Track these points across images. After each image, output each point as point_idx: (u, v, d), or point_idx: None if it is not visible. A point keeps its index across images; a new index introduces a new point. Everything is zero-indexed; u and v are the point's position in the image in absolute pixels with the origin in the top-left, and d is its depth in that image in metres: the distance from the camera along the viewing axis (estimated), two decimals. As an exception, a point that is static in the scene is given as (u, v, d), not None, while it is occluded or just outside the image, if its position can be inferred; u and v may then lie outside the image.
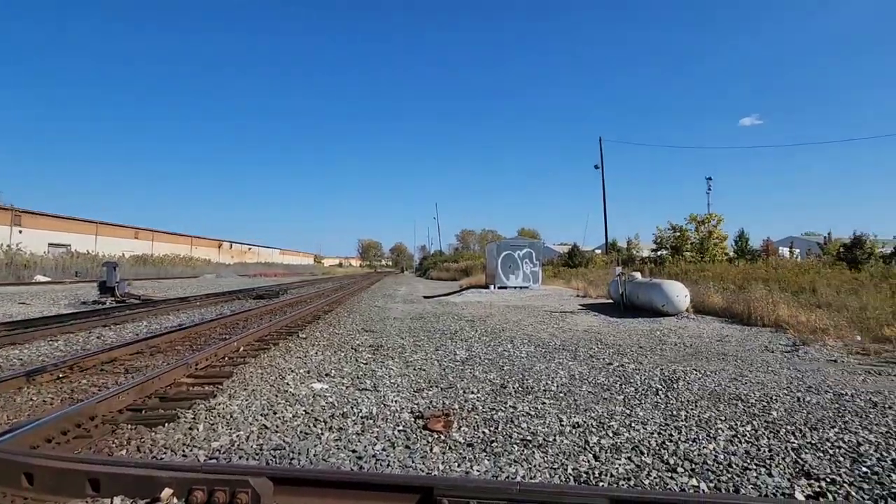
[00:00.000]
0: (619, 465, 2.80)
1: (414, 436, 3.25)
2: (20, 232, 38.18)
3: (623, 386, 4.63)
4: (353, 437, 3.21)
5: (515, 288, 20.60)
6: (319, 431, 3.31)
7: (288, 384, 4.58)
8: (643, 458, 2.90)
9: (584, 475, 2.65)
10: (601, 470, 2.72)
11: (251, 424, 3.43)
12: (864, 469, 2.75)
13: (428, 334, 7.98)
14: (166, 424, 3.35)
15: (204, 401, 3.92)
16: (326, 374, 5.03)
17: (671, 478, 2.63)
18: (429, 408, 3.89)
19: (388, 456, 2.88)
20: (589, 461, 2.85)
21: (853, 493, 2.47)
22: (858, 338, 7.19)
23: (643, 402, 4.11)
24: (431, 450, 3.00)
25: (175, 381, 4.49)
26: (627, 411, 3.83)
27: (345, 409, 3.80)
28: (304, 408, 3.84)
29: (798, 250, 33.72)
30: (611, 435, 3.29)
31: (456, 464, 2.78)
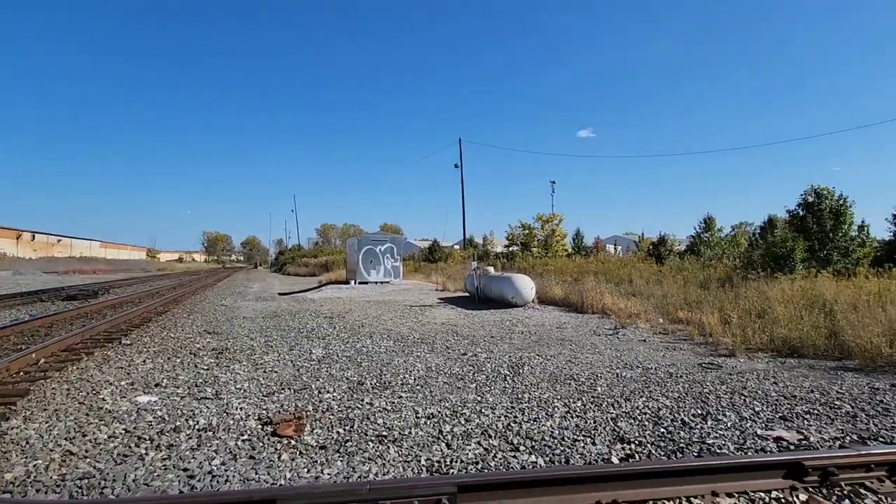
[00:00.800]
0: (470, 450, 2.93)
1: (260, 444, 3.01)
2: None
3: (476, 374, 4.89)
4: (187, 453, 2.86)
5: (377, 283, 20.55)
6: (143, 452, 2.88)
7: (104, 400, 3.91)
8: (491, 441, 3.09)
9: (437, 465, 2.72)
10: (453, 458, 2.82)
11: (52, 451, 2.85)
12: (662, 430, 3.29)
13: (282, 333, 7.51)
14: (-82, 465, 2.61)
15: (-19, 429, 3.15)
16: (156, 385, 4.41)
17: (514, 457, 2.84)
18: (279, 412, 3.65)
19: (227, 471, 2.61)
20: (442, 450, 2.94)
21: (653, 451, 2.93)
22: (661, 320, 8.64)
23: (493, 388, 4.39)
24: (279, 457, 2.81)
25: (-65, 407, 3.52)
26: (479, 398, 4.05)
27: (178, 423, 3.37)
28: (123, 426, 3.31)
29: (620, 247, 39.44)
30: (463, 422, 3.44)
31: (305, 469, 2.64)
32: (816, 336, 5.96)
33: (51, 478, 2.51)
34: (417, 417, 3.56)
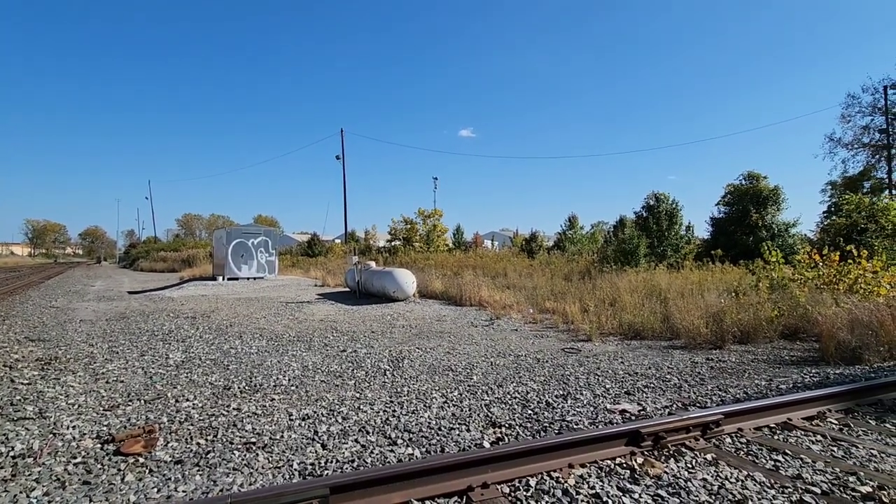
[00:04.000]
0: (346, 448, 2.87)
1: (98, 466, 2.61)
2: None
3: (355, 371, 4.80)
4: (-5, 487, 2.37)
5: (248, 279, 19.13)
6: (-70, 491, 2.32)
7: None
8: (369, 437, 3.05)
9: (310, 467, 2.61)
10: (328, 458, 2.73)
11: None
12: (529, 411, 3.55)
13: (131, 337, 6.63)
14: None
15: None
16: (-47, 407, 3.60)
17: (391, 451, 2.83)
18: (125, 427, 3.21)
19: (50, 502, 2.22)
20: (317, 451, 2.83)
21: (521, 433, 3.14)
22: (531, 310, 9.33)
23: (372, 384, 4.35)
24: (123, 479, 2.47)
25: None
26: (357, 395, 3.98)
27: (-17, 451, 2.78)
28: None
29: (497, 242, 41.80)
30: (340, 421, 3.35)
31: (155, 489, 2.35)
32: (654, 320, 6.90)
33: None
34: (291, 419, 3.38)
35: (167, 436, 3.07)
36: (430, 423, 3.32)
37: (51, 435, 3.05)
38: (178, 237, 72.78)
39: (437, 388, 4.20)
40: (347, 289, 13.98)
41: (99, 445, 2.91)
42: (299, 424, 3.30)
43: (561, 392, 4.04)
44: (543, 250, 23.56)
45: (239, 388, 4.20)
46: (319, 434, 3.11)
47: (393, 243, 33.82)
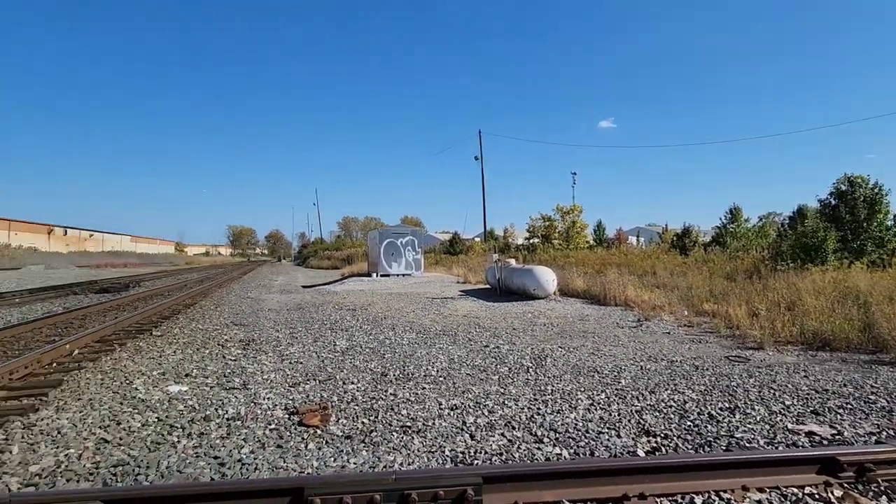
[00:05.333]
0: (493, 441, 2.93)
1: (287, 433, 3.06)
2: None
3: (498, 366, 4.88)
4: (217, 441, 2.92)
5: (398, 275, 20.67)
6: (175, 440, 2.95)
7: (137, 389, 4.03)
8: (515, 432, 3.07)
9: (461, 455, 2.72)
10: (476, 448, 2.81)
11: (86, 440, 2.94)
12: (688, 423, 3.23)
13: (306, 325, 7.62)
14: (-36, 450, 2.73)
15: (21, 417, 3.28)
16: (186, 375, 4.53)
17: (538, 448, 2.82)
18: (305, 402, 3.70)
19: (256, 459, 2.66)
20: (466, 441, 2.94)
21: (680, 445, 2.88)
22: (686, 312, 8.47)
23: (515, 380, 4.37)
24: (306, 447, 2.85)
25: (-20, 396, 3.68)
26: (502, 390, 4.04)
27: (208, 412, 3.45)
28: (156, 414, 3.40)
29: (643, 239, 38.78)
30: (486, 414, 3.43)
31: (332, 459, 2.67)
32: (850, 329, 5.75)
33: (83, 466, 2.59)
34: (441, 409, 3.56)
35: (337, 413, 3.47)
36: (576, 424, 3.22)
37: (252, 404, 3.66)
38: (339, 238, 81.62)
39: (581, 389, 4.06)
40: (488, 286, 14.23)
41: (287, 416, 3.40)
42: (448, 414, 3.46)
43: (727, 405, 3.60)
44: (699, 246, 21.22)
45: (394, 375, 4.56)
46: (467, 425, 3.22)
47: (531, 241, 33.48)
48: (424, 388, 4.13)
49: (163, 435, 3.03)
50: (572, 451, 2.80)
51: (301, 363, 5.04)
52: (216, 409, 3.52)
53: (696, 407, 3.56)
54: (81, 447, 2.82)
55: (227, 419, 3.32)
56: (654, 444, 2.88)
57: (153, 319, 8.04)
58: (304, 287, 17.03)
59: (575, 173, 40.15)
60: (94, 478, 2.45)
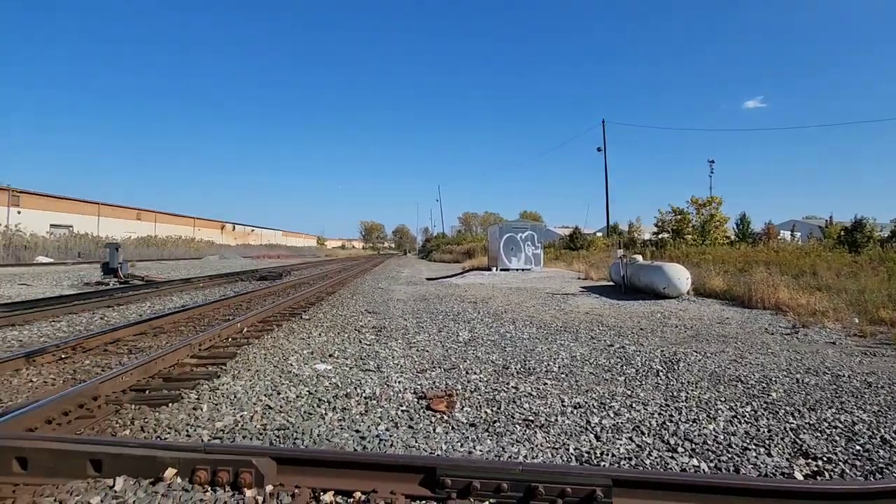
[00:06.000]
0: (621, 445, 2.80)
1: (417, 416, 3.26)
2: (19, 213, 38.01)
3: (624, 367, 4.64)
4: (357, 417, 3.22)
5: (517, 270, 20.61)
6: (323, 412, 3.32)
7: (291, 365, 4.59)
8: (644, 438, 2.91)
9: (586, 455, 2.66)
10: (602, 450, 2.72)
11: (255, 405, 3.44)
12: (858, 447, 2.76)
13: (431, 316, 7.99)
14: (170, 405, 3.37)
15: (208, 381, 3.94)
16: (330, 355, 5.04)
17: (672, 458, 2.63)
18: (431, 388, 3.90)
19: (391, 436, 2.89)
20: (591, 441, 2.86)
21: (847, 471, 2.47)
22: (856, 320, 7.18)
23: (644, 383, 4.12)
24: (434, 430, 3.01)
25: (178, 361, 4.51)
26: (628, 392, 3.84)
27: (348, 390, 3.81)
28: (307, 388, 3.85)
29: (799, 234, 33.57)
30: (612, 415, 3.30)
31: (459, 444, 2.79)
32: None
33: (255, 427, 3.03)
34: (563, 405, 3.50)
35: (462, 401, 3.59)
36: (716, 436, 2.94)
37: (385, 386, 3.96)
38: (460, 233, 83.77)
39: (722, 398, 3.69)
40: (611, 283, 13.54)
41: (416, 400, 3.62)
42: (571, 412, 3.38)
43: (914, 431, 3.00)
44: (874, 242, 17.79)
45: (515, 368, 4.58)
46: (592, 425, 3.13)
47: (660, 236, 31.02)
48: (546, 383, 4.09)
49: (313, 406, 3.42)
50: (712, 464, 2.57)
51: (427, 351, 5.30)
52: (355, 388, 3.87)
53: (868, 430, 3.03)
54: (252, 411, 3.31)
55: (365, 398, 3.64)
56: (815, 469, 2.52)
57: (302, 305, 9.07)
58: (427, 279, 17.81)
59: (713, 161, 36.12)
60: (262, 437, 2.87)
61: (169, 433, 2.92)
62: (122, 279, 13.94)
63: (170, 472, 1.96)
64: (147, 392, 3.66)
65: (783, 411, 3.39)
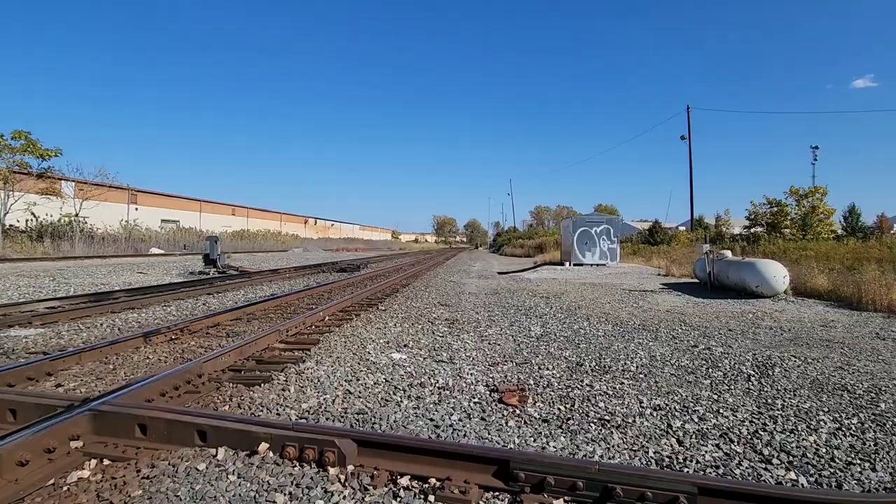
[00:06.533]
0: (706, 451, 2.63)
1: (489, 408, 3.27)
2: (136, 209, 43.19)
3: (710, 370, 4.34)
4: (431, 406, 3.30)
5: (592, 265, 19.91)
6: (399, 399, 3.43)
7: (369, 353, 4.79)
8: (733, 446, 2.71)
9: (668, 460, 2.53)
10: (686, 455, 2.58)
11: (336, 389, 3.63)
12: None
13: (503, 310, 7.96)
14: (262, 385, 3.65)
15: (294, 365, 4.22)
16: (405, 345, 5.19)
17: (766, 469, 2.43)
18: (503, 382, 3.89)
19: (464, 426, 2.92)
20: (672, 445, 2.72)
21: None
22: None
23: (732, 387, 3.83)
24: (507, 423, 3.01)
25: (269, 345, 4.86)
26: (715, 396, 3.59)
27: (422, 380, 3.91)
28: (384, 376, 4.00)
29: (924, 227, 29.33)
30: (696, 420, 3.10)
31: (532, 438, 2.77)
32: None
33: (337, 410, 3.20)
34: (642, 406, 3.35)
35: (534, 396, 3.55)
36: (816, 448, 2.67)
37: (458, 377, 4.01)
38: (532, 227, 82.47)
39: (824, 408, 3.34)
40: (695, 280, 12.69)
41: (488, 392, 3.63)
42: (651, 413, 3.23)
43: None
44: None
45: (590, 366, 4.45)
46: (674, 428, 2.96)
47: (752, 230, 28.49)
48: (623, 382, 3.93)
49: (389, 394, 3.55)
50: (812, 478, 2.34)
51: (499, 345, 5.29)
52: (429, 378, 3.96)
53: None
54: (334, 395, 3.50)
55: (438, 387, 3.71)
56: (940, 493, 2.21)
57: (378, 296, 9.41)
58: (499, 273, 17.74)
59: (816, 147, 32.58)
60: (343, 419, 3.03)
61: (262, 411, 3.16)
62: (221, 269, 15.26)
63: (263, 446, 2.13)
64: (242, 372, 4.00)
65: (892, 423, 3.02)
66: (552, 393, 3.64)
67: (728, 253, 12.20)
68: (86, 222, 31.56)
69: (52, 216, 30.17)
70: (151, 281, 12.52)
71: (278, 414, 3.11)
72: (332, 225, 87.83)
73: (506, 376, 4.06)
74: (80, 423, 2.24)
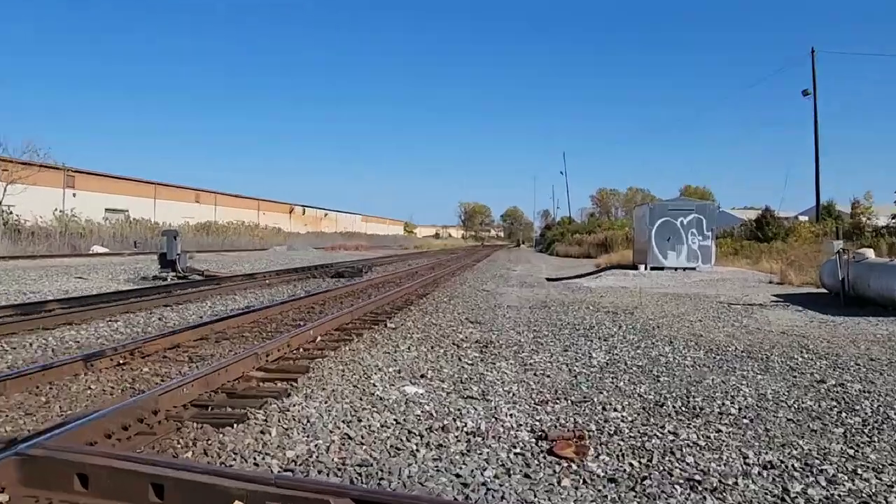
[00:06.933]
0: (838, 527, 2.57)
1: (535, 462, 3.26)
2: (74, 195, 44.47)
3: (843, 414, 4.24)
4: (457, 457, 3.31)
5: (676, 269, 19.62)
6: (414, 447, 3.46)
7: (374, 385, 4.84)
8: (876, 521, 2.64)
9: (782, 537, 2.48)
10: (808, 532, 2.52)
11: (332, 433, 3.69)
12: None
13: (553, 329, 7.94)
14: (235, 425, 3.73)
15: (276, 400, 4.29)
16: (422, 376, 5.23)
17: (923, 555, 2.36)
18: (555, 426, 3.88)
19: (501, 485, 2.92)
20: (789, 518, 2.66)
21: None
22: None
23: (876, 439, 3.73)
24: (559, 482, 3.00)
25: (244, 374, 4.97)
26: (850, 451, 3.50)
27: (445, 422, 3.93)
28: (394, 416, 4.04)
29: None
30: (823, 483, 3.03)
31: (593, 503, 2.75)
32: None
33: (332, 460, 3.25)
34: (746, 463, 3.29)
35: (597, 446, 3.53)
36: None
37: (493, 419, 4.02)
38: (593, 216, 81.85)
39: None
40: (823, 290, 12.45)
41: (533, 440, 3.63)
42: (759, 473, 3.17)
43: None
44: None
45: (673, 406, 4.39)
46: (791, 494, 2.90)
47: (905, 221, 27.58)
48: (720, 430, 3.87)
49: (401, 440, 3.58)
50: None
51: (548, 376, 5.28)
52: (454, 420, 3.98)
53: None
54: (329, 440, 3.55)
55: (467, 433, 3.73)
56: None
57: (386, 310, 9.51)
58: (548, 280, 17.69)
59: None
60: (341, 473, 3.08)
61: (234, 459, 3.24)
62: (181, 274, 15.65)
63: (236, 505, 2.17)
64: (210, 409, 4.09)
65: None
66: (622, 442, 3.61)
67: (870, 252, 11.92)
68: (10, 212, 32.79)
69: (-38, 205, 31.28)
70: (93, 289, 12.98)
71: (256, 464, 3.18)
72: (326, 215, 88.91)
73: (558, 419, 4.05)
74: (5, 470, 2.33)
